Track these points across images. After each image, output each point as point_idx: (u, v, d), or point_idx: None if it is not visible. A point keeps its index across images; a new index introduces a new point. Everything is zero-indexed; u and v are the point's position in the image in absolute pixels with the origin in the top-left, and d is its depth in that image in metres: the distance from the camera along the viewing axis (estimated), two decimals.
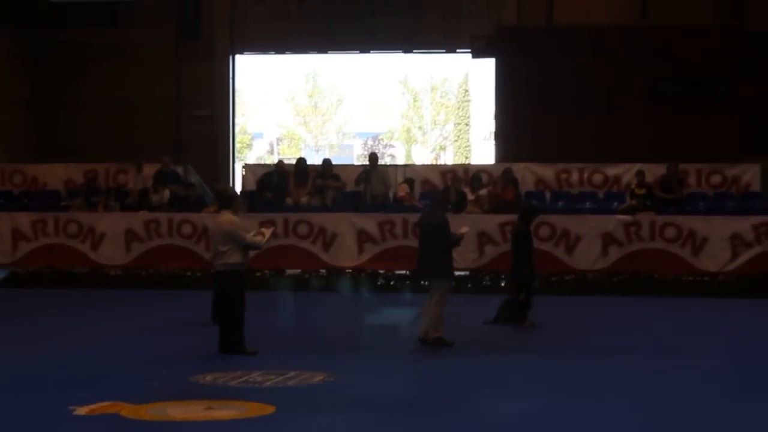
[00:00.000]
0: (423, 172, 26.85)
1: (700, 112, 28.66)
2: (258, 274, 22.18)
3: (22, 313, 19.47)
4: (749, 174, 24.91)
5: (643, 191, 23.61)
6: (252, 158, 63.17)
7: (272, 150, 67.47)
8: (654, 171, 24.38)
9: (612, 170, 25.31)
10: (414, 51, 34.39)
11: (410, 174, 25.73)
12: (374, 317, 18.58)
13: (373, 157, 25.81)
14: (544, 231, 22.46)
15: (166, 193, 25.21)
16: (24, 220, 24.53)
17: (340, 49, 34.51)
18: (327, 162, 25.90)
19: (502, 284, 21.46)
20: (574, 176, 25.30)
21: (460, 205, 23.32)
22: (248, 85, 58.47)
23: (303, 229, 23.52)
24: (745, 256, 22.48)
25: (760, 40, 28.94)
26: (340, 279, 22.85)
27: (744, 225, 22.63)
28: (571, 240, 22.73)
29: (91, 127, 31.98)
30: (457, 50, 33.00)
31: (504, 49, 29.87)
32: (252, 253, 15.19)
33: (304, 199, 24.69)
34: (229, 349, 14.33)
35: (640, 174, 23.96)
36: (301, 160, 26.20)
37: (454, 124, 65.94)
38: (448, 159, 64.06)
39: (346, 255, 23.40)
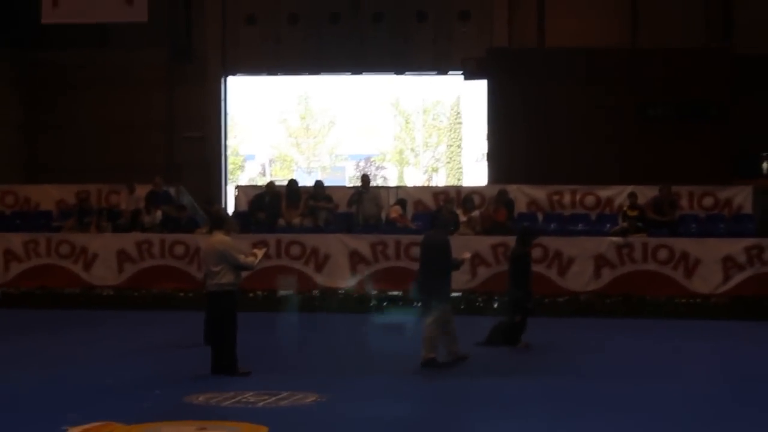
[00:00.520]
0: (415, 193, 26.88)
1: (691, 135, 28.69)
2: (251, 294, 22.14)
3: (13, 334, 19.41)
4: (741, 196, 24.97)
5: (635, 213, 23.64)
6: (244, 180, 63.06)
7: (264, 172, 67.44)
8: (646, 193, 24.44)
9: (604, 192, 25.35)
10: (406, 73, 34.42)
11: (402, 195, 25.74)
12: (367, 338, 18.54)
13: (365, 178, 25.84)
14: (536, 252, 22.39)
15: (158, 214, 25.21)
16: (16, 240, 24.50)
17: (331, 70, 34.50)
18: (319, 183, 25.93)
19: (495, 305, 21.47)
20: (567, 198, 25.34)
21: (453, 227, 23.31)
22: (240, 106, 58.47)
23: (295, 249, 23.52)
24: (738, 278, 22.49)
25: (751, 63, 29.01)
26: (332, 300, 22.81)
27: (736, 247, 22.66)
28: (564, 262, 22.73)
29: (82, 149, 31.89)
30: (449, 72, 33.05)
31: (495, 71, 29.93)
32: (244, 273, 15.18)
33: (296, 221, 24.69)
34: (221, 369, 14.31)
35: (632, 196, 24.01)
36: (293, 182, 26.22)
37: (447, 146, 66.00)
38: (441, 181, 64.09)
39: (339, 276, 23.38)
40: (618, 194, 25.03)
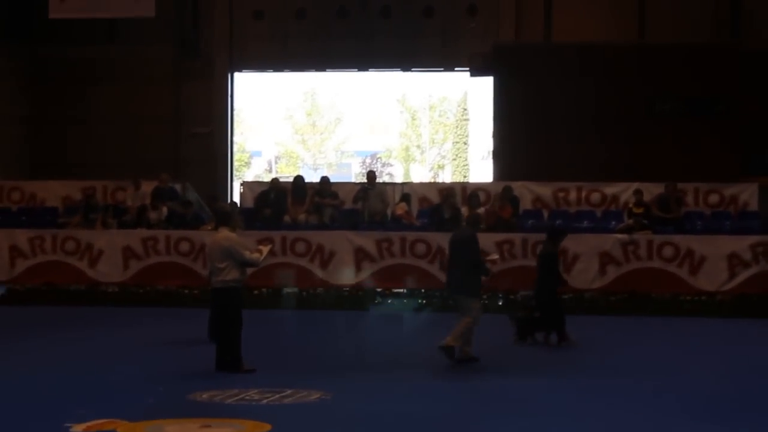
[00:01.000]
0: (421, 190, 26.85)
1: (697, 132, 28.69)
2: (255, 292, 22.14)
3: (19, 331, 19.42)
4: (747, 193, 24.94)
5: (640, 210, 23.61)
6: (250, 176, 63.14)
7: (270, 168, 67.48)
8: (652, 190, 24.42)
9: (610, 189, 25.33)
10: (412, 69, 34.40)
11: (408, 192, 25.72)
12: (371, 335, 18.53)
13: (371, 175, 25.82)
14: None
15: (164, 210, 25.21)
16: (22, 236, 24.52)
17: (338, 67, 34.54)
18: (325, 180, 25.90)
19: (499, 303, 21.48)
20: (572, 195, 25.32)
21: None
22: (247, 103, 58.60)
23: (301, 246, 23.50)
24: (743, 275, 22.46)
25: (758, 60, 28.99)
26: (337, 297, 22.79)
27: (742, 244, 22.63)
28: (569, 259, 22.69)
29: (88, 145, 31.95)
30: (456, 69, 33.06)
31: (502, 68, 29.91)
32: (249, 270, 15.17)
33: (301, 217, 24.67)
34: (226, 366, 14.30)
35: (637, 193, 23.97)
36: (299, 178, 26.20)
37: (453, 143, 65.93)
38: (447, 177, 64.05)
39: (344, 273, 23.35)
40: (623, 191, 25.00)
